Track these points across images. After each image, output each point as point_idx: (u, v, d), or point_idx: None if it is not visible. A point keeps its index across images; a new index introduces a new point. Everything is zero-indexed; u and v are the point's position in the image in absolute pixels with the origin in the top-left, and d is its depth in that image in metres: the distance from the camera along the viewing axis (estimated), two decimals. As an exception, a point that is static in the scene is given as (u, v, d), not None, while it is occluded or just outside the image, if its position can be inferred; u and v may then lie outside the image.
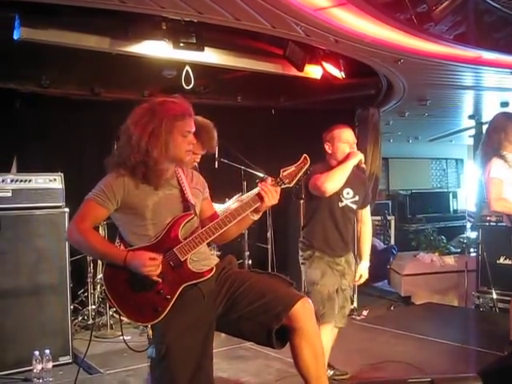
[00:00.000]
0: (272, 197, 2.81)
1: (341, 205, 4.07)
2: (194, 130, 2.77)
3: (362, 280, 4.27)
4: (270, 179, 2.91)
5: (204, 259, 2.79)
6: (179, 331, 2.61)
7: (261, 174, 6.82)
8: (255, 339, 2.85)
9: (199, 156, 3.69)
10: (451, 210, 12.86)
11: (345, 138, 4.07)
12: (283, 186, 2.88)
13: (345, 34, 4.74)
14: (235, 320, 2.75)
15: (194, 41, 4.92)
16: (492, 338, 4.90)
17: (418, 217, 11.38)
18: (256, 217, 2.87)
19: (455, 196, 13.20)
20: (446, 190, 14.06)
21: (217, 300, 2.75)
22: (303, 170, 2.95)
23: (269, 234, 7.29)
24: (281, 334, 2.72)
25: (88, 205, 2.67)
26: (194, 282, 2.67)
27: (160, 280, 2.57)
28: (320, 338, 2.85)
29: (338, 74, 6.05)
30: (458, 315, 6.50)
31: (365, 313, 6.48)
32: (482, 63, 5.61)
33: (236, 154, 6.80)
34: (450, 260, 7.65)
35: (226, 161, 6.70)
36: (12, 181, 4.68)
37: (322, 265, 4.02)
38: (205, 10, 4.21)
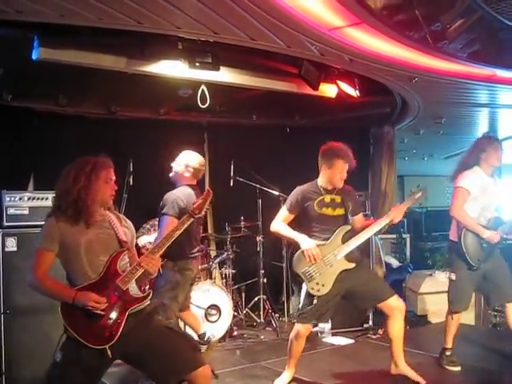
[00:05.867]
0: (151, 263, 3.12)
1: None
2: (114, 178, 3.29)
3: None
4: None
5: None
6: None
7: (276, 193, 6.85)
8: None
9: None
10: (467, 227, 12.75)
11: None
12: (196, 217, 3.27)
13: (359, 53, 4.76)
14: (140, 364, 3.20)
15: (210, 60, 4.99)
16: (509, 358, 4.83)
17: (434, 235, 11.25)
18: None
19: (471, 214, 13.09)
20: (461, 208, 13.96)
21: (130, 339, 3.03)
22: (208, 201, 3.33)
23: (284, 253, 7.28)
24: None
25: (37, 254, 3.09)
26: (136, 306, 3.07)
27: (103, 313, 2.95)
28: None
29: (352, 92, 6.06)
30: (474, 334, 6.41)
31: (380, 332, 6.43)
32: (497, 81, 5.60)
33: (251, 172, 6.83)
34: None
35: (241, 179, 6.74)
36: (29, 198, 4.73)
37: None
38: (220, 30, 4.25)
